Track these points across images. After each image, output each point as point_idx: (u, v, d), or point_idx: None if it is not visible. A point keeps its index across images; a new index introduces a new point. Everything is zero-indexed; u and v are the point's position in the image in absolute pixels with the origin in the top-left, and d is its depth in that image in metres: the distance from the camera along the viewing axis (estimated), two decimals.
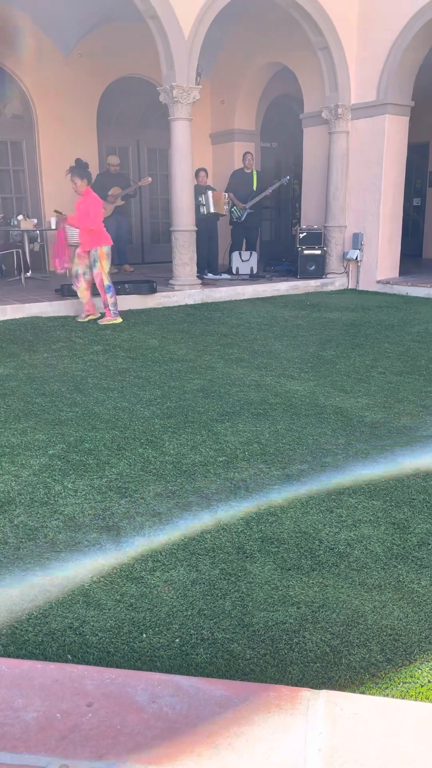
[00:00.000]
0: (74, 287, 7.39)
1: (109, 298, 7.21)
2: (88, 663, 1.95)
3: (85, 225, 6.94)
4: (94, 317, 7.38)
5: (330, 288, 10.12)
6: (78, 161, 7.29)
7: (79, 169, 7.09)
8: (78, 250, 7.18)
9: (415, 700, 1.80)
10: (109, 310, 7.25)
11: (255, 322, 7.45)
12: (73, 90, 10.56)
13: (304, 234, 10.01)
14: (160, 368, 5.38)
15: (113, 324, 7.21)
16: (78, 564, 2.48)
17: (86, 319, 7.34)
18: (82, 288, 7.31)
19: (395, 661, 1.96)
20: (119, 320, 7.30)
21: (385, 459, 3.47)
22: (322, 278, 10.07)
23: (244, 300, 9.08)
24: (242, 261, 10.31)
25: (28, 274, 9.58)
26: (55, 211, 6.93)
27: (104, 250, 7.07)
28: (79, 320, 7.35)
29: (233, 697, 1.65)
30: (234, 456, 3.51)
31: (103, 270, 7.10)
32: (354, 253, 9.98)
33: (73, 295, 7.49)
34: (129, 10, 8.60)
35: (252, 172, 10.25)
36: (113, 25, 10.29)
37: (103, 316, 7.39)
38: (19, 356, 5.79)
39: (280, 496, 3.05)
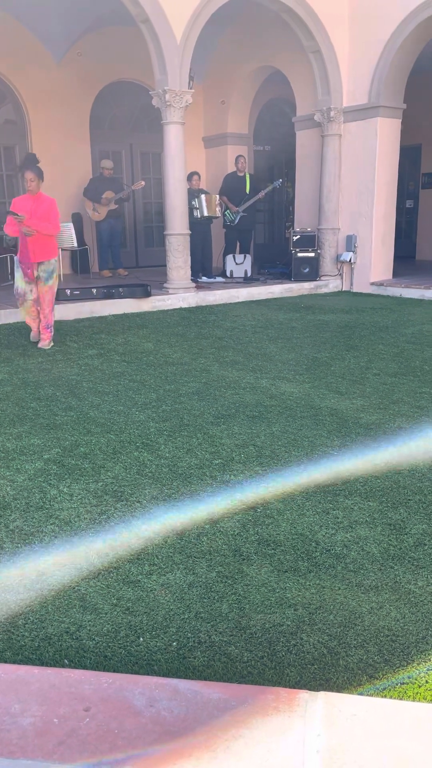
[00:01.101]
0: (20, 306, 6.20)
1: (53, 319, 6.29)
2: (85, 667, 1.94)
3: (51, 231, 5.94)
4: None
5: (324, 290, 10.14)
6: (33, 157, 6.14)
7: (39, 167, 5.94)
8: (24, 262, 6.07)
9: (413, 700, 1.80)
10: (50, 332, 6.25)
11: (249, 324, 7.45)
12: (66, 95, 10.56)
13: (298, 236, 10.03)
14: (155, 372, 5.38)
15: (51, 343, 6.27)
16: (75, 567, 2.47)
17: (51, 345, 6.24)
18: (34, 309, 6.16)
19: (393, 662, 1.96)
20: (52, 344, 6.29)
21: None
22: (316, 280, 10.09)
23: (239, 303, 9.09)
24: (236, 264, 10.32)
25: None
26: (9, 212, 5.81)
27: (57, 263, 6.25)
28: (45, 347, 6.20)
29: (231, 699, 1.65)
30: (230, 459, 3.51)
31: (55, 285, 6.18)
32: (347, 255, 10.00)
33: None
34: (121, 15, 8.63)
35: (245, 175, 10.27)
36: (105, 29, 10.31)
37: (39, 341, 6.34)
38: (14, 361, 5.78)
39: (276, 497, 3.04)
